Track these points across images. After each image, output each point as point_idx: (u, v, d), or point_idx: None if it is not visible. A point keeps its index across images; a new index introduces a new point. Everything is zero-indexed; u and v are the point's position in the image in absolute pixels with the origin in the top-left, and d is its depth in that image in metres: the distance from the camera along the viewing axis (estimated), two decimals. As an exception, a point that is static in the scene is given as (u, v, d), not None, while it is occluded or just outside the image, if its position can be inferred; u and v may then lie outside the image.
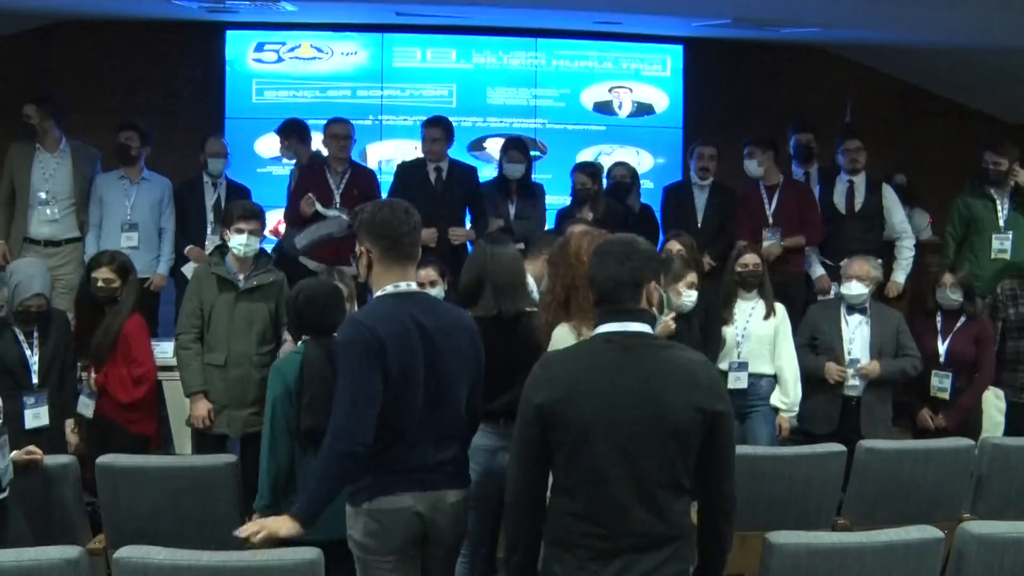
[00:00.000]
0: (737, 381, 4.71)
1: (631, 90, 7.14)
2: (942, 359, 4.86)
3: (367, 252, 2.83)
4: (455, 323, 2.90)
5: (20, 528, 3.14)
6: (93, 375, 4.34)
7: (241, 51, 6.84)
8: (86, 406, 4.33)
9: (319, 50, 6.89)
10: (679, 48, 7.11)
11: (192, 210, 5.60)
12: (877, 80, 7.37)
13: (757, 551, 2.87)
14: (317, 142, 5.90)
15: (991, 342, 4.88)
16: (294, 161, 5.88)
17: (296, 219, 5.53)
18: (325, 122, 5.74)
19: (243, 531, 2.72)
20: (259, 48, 6.86)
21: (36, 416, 4.10)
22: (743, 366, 4.71)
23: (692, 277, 4.40)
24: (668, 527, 2.38)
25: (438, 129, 5.65)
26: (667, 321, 4.05)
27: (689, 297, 4.35)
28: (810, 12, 5.67)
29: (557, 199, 5.96)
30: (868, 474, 3.85)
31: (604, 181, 5.95)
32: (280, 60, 6.87)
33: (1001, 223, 5.56)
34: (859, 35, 6.48)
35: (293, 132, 5.89)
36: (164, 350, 4.91)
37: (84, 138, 5.78)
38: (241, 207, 4.51)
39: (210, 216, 5.56)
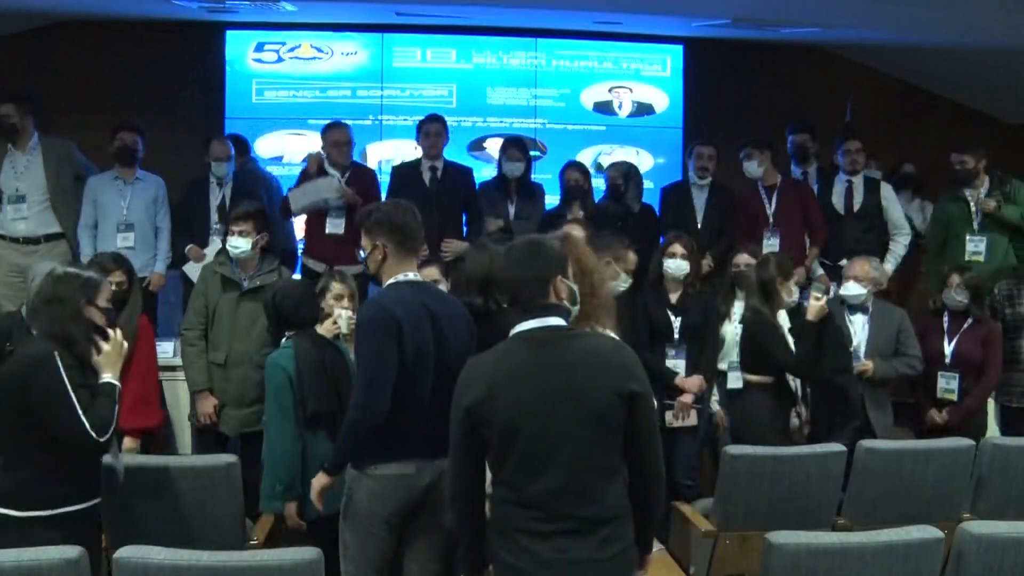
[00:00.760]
0: (736, 381, 4.72)
1: (631, 90, 7.14)
2: (948, 360, 4.86)
3: (383, 246, 3.11)
4: (456, 312, 3.19)
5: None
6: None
7: (241, 51, 6.83)
8: None
9: (319, 50, 6.89)
10: (679, 48, 7.10)
11: (197, 210, 5.60)
12: (877, 80, 7.37)
13: (757, 551, 2.87)
14: (317, 142, 5.90)
15: (998, 344, 4.87)
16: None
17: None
18: (324, 125, 5.75)
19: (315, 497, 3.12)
20: (259, 48, 6.86)
21: None
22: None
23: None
24: (601, 509, 2.51)
25: (439, 124, 5.67)
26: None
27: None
28: (810, 12, 5.67)
29: (557, 199, 5.96)
30: (868, 474, 3.85)
31: (602, 180, 5.97)
32: (280, 60, 6.87)
33: (975, 225, 5.62)
34: (859, 35, 6.48)
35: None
36: (164, 350, 4.92)
37: (84, 138, 5.78)
38: (235, 209, 4.52)
39: (214, 216, 5.56)
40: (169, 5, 5.86)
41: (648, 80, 7.15)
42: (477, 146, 6.92)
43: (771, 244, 5.60)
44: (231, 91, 6.82)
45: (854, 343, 4.74)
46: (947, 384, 4.82)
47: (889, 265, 5.72)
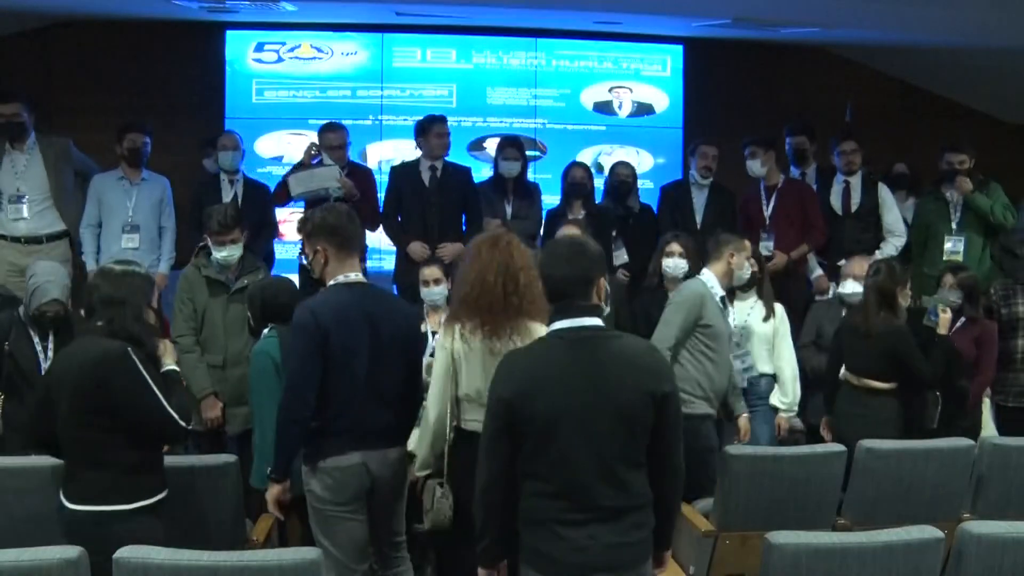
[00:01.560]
0: (739, 382, 4.72)
1: (631, 90, 7.14)
2: None
3: (323, 251, 3.29)
4: (395, 309, 3.43)
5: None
6: None
7: (241, 51, 6.83)
8: None
9: (319, 50, 6.89)
10: (679, 48, 7.11)
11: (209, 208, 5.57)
12: (877, 80, 7.37)
13: (757, 551, 2.87)
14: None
15: (992, 343, 4.87)
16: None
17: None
18: (321, 126, 5.75)
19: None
20: (259, 48, 6.86)
21: None
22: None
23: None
24: (628, 498, 2.64)
25: (444, 125, 5.68)
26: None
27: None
28: (810, 12, 5.67)
29: (556, 199, 5.96)
30: (868, 474, 3.84)
31: (606, 179, 5.97)
32: (280, 60, 6.87)
33: (953, 225, 5.67)
34: (859, 35, 6.48)
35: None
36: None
37: (84, 138, 5.78)
38: (217, 220, 4.45)
39: None
40: (169, 5, 5.86)
41: (648, 80, 7.15)
42: (477, 146, 6.92)
43: (766, 245, 5.60)
44: (231, 91, 6.82)
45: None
46: None
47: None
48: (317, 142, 5.67)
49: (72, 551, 2.65)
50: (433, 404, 3.31)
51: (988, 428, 4.85)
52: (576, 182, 5.70)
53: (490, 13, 6.40)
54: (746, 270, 4.47)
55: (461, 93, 6.97)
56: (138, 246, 5.40)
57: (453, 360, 3.25)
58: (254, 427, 3.86)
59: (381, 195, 5.87)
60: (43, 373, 4.01)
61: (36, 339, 4.07)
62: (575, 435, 2.59)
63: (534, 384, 2.61)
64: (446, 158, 5.76)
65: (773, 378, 4.76)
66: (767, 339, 4.74)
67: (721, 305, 4.28)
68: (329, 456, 3.24)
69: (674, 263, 4.68)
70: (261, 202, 5.63)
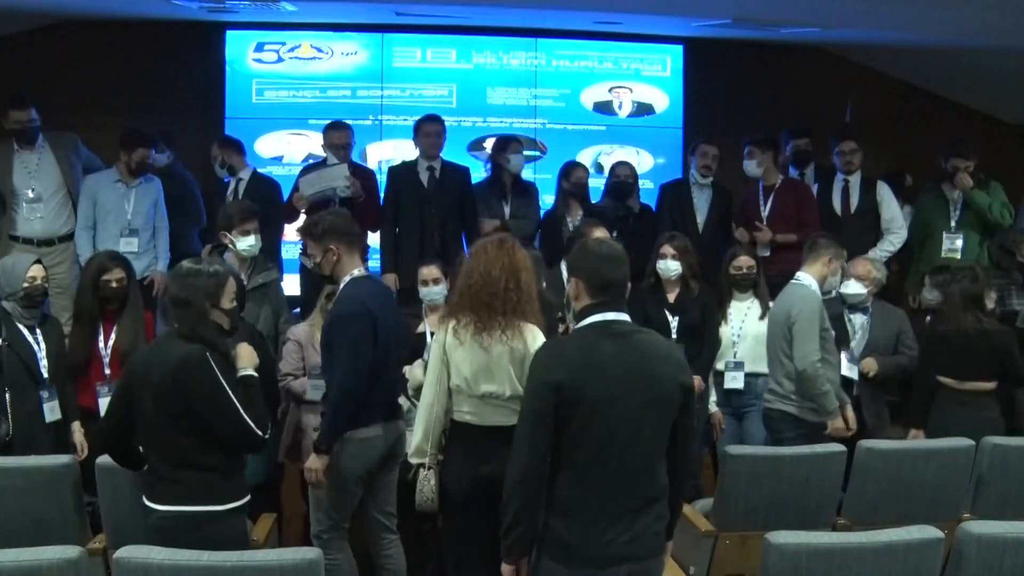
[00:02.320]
0: (734, 381, 4.74)
1: (631, 90, 7.13)
2: None
3: (336, 250, 3.62)
4: (393, 297, 3.99)
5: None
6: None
7: (241, 51, 6.83)
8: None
9: (319, 50, 6.89)
10: (679, 48, 7.10)
11: (216, 209, 5.57)
12: (877, 80, 7.37)
13: (757, 551, 2.87)
14: (317, 142, 5.90)
15: None
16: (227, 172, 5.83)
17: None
18: (325, 125, 5.75)
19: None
20: (259, 48, 6.85)
21: (51, 411, 4.14)
22: (739, 366, 4.74)
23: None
24: (656, 489, 2.75)
25: (439, 124, 5.68)
26: None
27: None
28: (810, 12, 5.66)
29: (554, 199, 5.95)
30: (868, 474, 3.85)
31: (606, 180, 5.96)
32: (280, 60, 6.87)
33: (952, 224, 5.69)
34: (859, 35, 6.48)
35: (229, 144, 5.88)
36: None
37: (84, 138, 5.77)
38: (239, 209, 4.52)
39: None
40: (169, 5, 5.86)
41: (648, 80, 7.14)
42: (477, 146, 6.91)
43: (763, 246, 5.59)
44: (231, 91, 6.81)
45: (853, 343, 4.74)
46: None
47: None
48: (320, 144, 5.67)
49: (72, 551, 2.65)
50: (426, 395, 3.36)
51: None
52: (581, 183, 5.70)
53: (490, 13, 6.39)
54: (838, 278, 4.48)
55: (461, 93, 6.97)
56: (137, 250, 5.38)
57: (444, 352, 3.31)
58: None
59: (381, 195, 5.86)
60: (41, 364, 4.10)
61: (25, 331, 4.11)
62: (620, 423, 2.65)
63: (583, 370, 2.66)
64: (444, 158, 5.76)
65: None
66: (764, 339, 4.73)
67: None
68: (359, 427, 3.58)
69: (666, 265, 4.69)
70: (266, 197, 5.62)
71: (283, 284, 5.10)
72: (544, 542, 2.71)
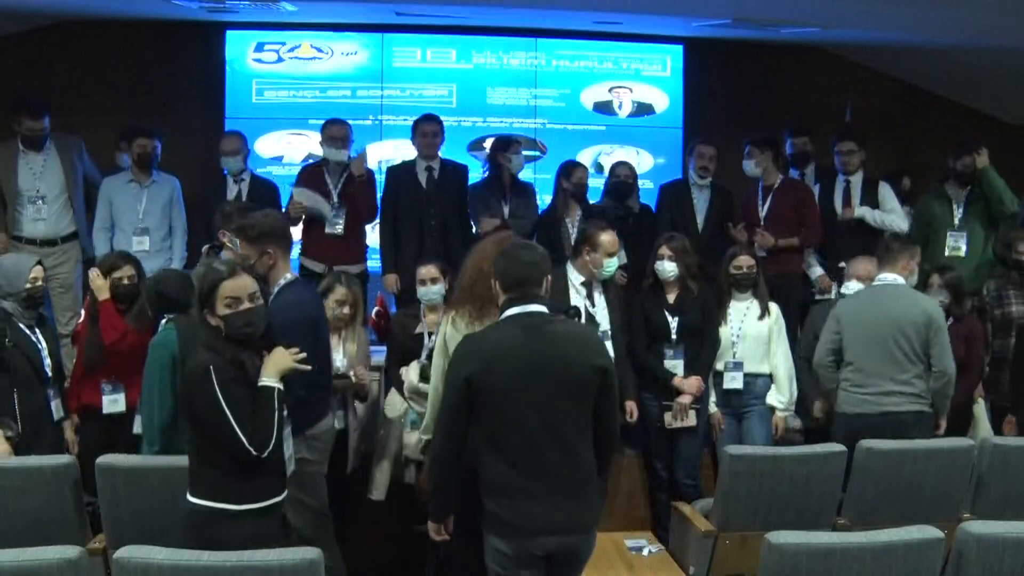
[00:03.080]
0: (733, 381, 4.73)
1: (631, 90, 7.13)
2: None
3: (272, 254, 3.64)
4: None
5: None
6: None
7: (241, 51, 6.83)
8: (115, 402, 4.33)
9: (319, 50, 6.89)
10: (679, 48, 7.10)
11: (214, 209, 5.57)
12: (877, 80, 7.37)
13: (757, 551, 2.87)
14: (317, 142, 5.90)
15: (980, 341, 4.90)
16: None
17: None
18: (324, 122, 5.75)
19: None
20: (259, 48, 6.85)
21: (57, 409, 4.18)
22: (739, 366, 4.73)
23: None
24: (579, 468, 2.96)
25: (435, 125, 5.67)
26: None
27: None
28: (810, 12, 5.67)
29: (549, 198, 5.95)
30: (868, 474, 3.85)
31: (606, 180, 5.96)
32: (280, 60, 6.87)
33: (956, 222, 5.69)
34: (859, 35, 6.48)
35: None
36: None
37: (84, 138, 5.77)
38: (238, 208, 4.51)
39: None
40: (169, 5, 5.86)
41: (648, 80, 7.14)
42: (477, 146, 6.91)
43: (758, 246, 5.59)
44: (231, 91, 6.81)
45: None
46: None
47: (865, 212, 5.73)
48: (321, 136, 5.67)
49: (72, 551, 2.65)
50: (434, 379, 3.48)
51: (983, 428, 4.86)
52: (581, 183, 5.69)
53: (490, 13, 6.39)
54: (914, 277, 4.56)
55: (461, 93, 6.97)
56: (148, 248, 5.41)
57: (445, 342, 3.39)
58: (142, 415, 3.87)
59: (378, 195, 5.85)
60: (45, 362, 4.14)
61: (27, 330, 4.13)
62: (529, 405, 2.90)
63: (492, 360, 2.91)
64: (444, 157, 5.75)
65: (769, 378, 4.76)
66: (763, 339, 4.74)
67: None
68: (316, 422, 3.75)
69: (663, 266, 4.69)
70: (268, 200, 5.62)
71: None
72: (485, 521, 2.99)
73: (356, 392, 4.42)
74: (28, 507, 3.41)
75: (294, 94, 6.86)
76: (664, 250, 4.71)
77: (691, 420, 4.65)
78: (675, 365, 4.68)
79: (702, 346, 4.70)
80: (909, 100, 7.39)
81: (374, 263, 5.86)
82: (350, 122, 5.79)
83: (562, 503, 2.93)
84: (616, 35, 6.98)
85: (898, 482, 3.83)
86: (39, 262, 4.24)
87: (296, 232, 5.73)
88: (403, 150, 6.61)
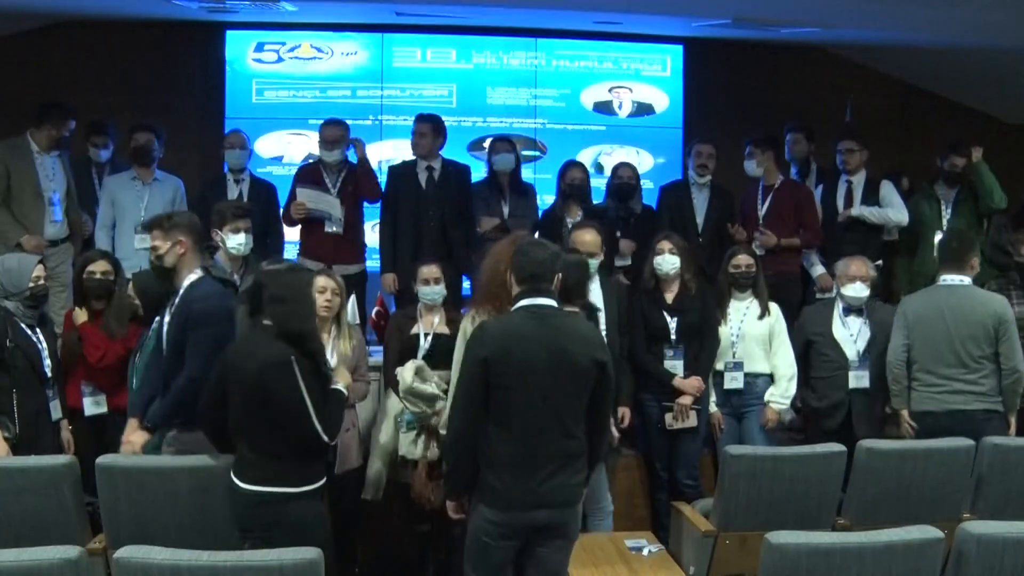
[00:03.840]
0: (733, 381, 4.73)
1: (631, 90, 7.14)
2: None
3: (184, 243, 3.67)
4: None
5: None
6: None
7: (241, 51, 6.83)
8: (97, 404, 4.36)
9: (319, 50, 6.89)
10: (679, 48, 7.10)
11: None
12: (877, 80, 7.37)
13: (757, 551, 2.87)
14: (316, 142, 5.89)
15: None
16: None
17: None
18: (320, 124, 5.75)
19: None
20: (259, 48, 6.86)
21: (55, 409, 4.21)
22: (739, 366, 4.73)
23: None
24: (573, 448, 3.19)
25: (426, 125, 5.63)
26: None
27: None
28: (810, 12, 5.67)
29: (552, 199, 5.95)
30: (868, 474, 3.85)
31: (608, 180, 5.95)
32: (280, 60, 6.87)
33: (944, 223, 5.71)
34: (859, 35, 6.48)
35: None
36: None
37: (83, 138, 5.77)
38: (234, 207, 4.53)
39: None
40: (169, 5, 5.87)
41: (648, 80, 7.15)
42: (477, 146, 6.91)
43: (767, 236, 5.59)
44: (231, 91, 6.82)
45: (857, 345, 4.72)
46: None
47: (863, 211, 5.71)
48: (318, 138, 5.68)
49: (72, 551, 2.64)
50: (454, 374, 3.61)
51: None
52: (575, 183, 5.68)
53: (490, 13, 6.40)
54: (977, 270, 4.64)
55: (461, 93, 6.97)
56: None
57: (466, 339, 3.48)
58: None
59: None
60: (45, 362, 4.14)
61: (28, 330, 4.14)
62: (537, 388, 3.12)
63: (507, 344, 3.13)
64: (446, 157, 5.74)
65: (770, 377, 4.75)
66: (763, 339, 4.74)
67: None
68: (183, 432, 3.67)
69: (665, 259, 4.67)
70: (266, 201, 5.63)
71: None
72: (479, 490, 3.19)
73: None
74: (28, 507, 3.41)
75: (294, 94, 6.86)
76: (664, 244, 4.69)
77: (692, 421, 4.65)
78: (675, 365, 4.67)
79: (702, 346, 4.70)
80: (909, 100, 7.39)
81: (373, 263, 5.86)
82: (350, 122, 5.79)
83: (556, 479, 3.15)
84: (616, 35, 6.99)
85: (898, 482, 3.83)
86: (41, 261, 4.26)
87: (296, 232, 5.77)
88: (403, 150, 6.61)
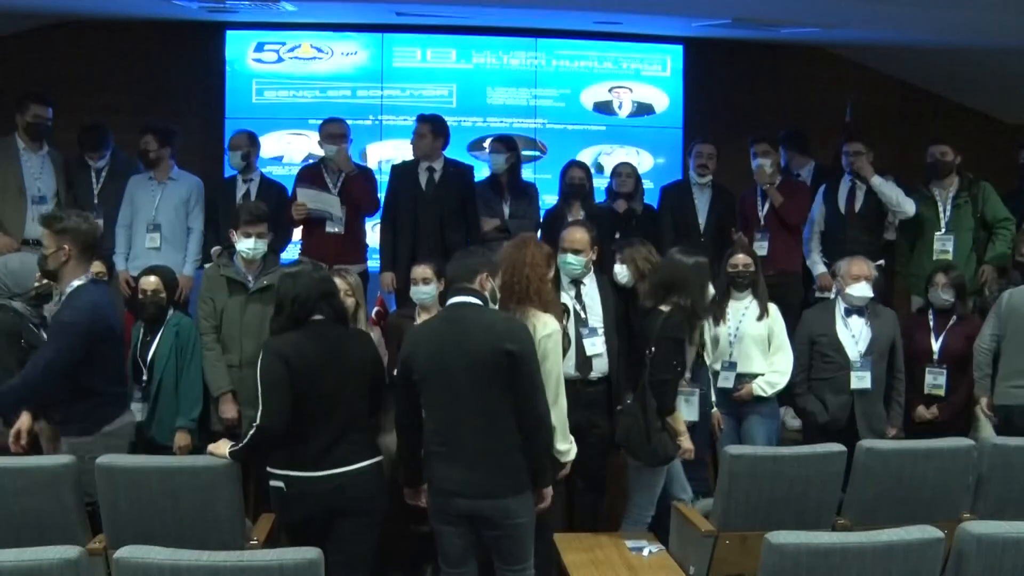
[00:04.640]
0: (725, 381, 4.71)
1: (631, 90, 7.14)
2: (936, 356, 4.91)
3: (68, 251, 3.71)
4: (123, 308, 4.42)
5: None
6: None
7: (241, 51, 6.84)
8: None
9: (319, 50, 6.89)
10: (679, 48, 7.11)
11: (222, 209, 5.54)
12: (877, 80, 7.38)
13: (757, 551, 2.87)
14: (316, 142, 5.90)
15: None
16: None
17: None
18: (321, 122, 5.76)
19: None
20: (259, 48, 6.86)
21: None
22: (732, 366, 4.70)
23: None
24: (492, 439, 3.30)
25: (425, 126, 5.61)
26: None
27: None
28: (810, 12, 5.67)
29: (555, 199, 5.95)
30: (868, 474, 3.84)
31: (609, 181, 5.95)
32: (280, 60, 6.88)
33: (942, 224, 5.64)
34: (859, 35, 6.48)
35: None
36: None
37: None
38: (248, 211, 4.53)
39: None
40: (169, 5, 5.87)
41: (648, 80, 7.15)
42: (477, 146, 6.92)
43: (761, 245, 5.58)
44: (231, 91, 6.82)
45: (858, 347, 4.72)
46: (934, 380, 4.89)
47: (878, 180, 5.66)
48: (319, 135, 5.67)
49: (72, 551, 2.64)
50: None
51: (985, 428, 4.86)
52: (575, 183, 5.68)
53: (490, 13, 6.40)
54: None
55: (461, 93, 6.97)
56: (158, 246, 5.41)
57: None
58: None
59: (381, 195, 5.84)
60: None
61: (36, 329, 4.14)
62: (443, 384, 3.31)
63: (416, 345, 3.41)
64: (448, 157, 5.74)
65: (768, 378, 4.75)
66: (761, 339, 4.72)
67: None
68: (113, 419, 3.83)
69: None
70: (276, 202, 5.62)
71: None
72: (426, 477, 3.45)
73: None
74: (28, 507, 3.41)
75: (294, 94, 6.87)
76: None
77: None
78: None
79: None
80: (909, 100, 7.40)
81: (375, 263, 5.86)
82: (350, 122, 5.79)
83: (475, 470, 3.29)
84: (616, 35, 6.99)
85: (898, 482, 3.83)
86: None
87: (296, 232, 5.77)
88: (403, 150, 6.61)
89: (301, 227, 5.65)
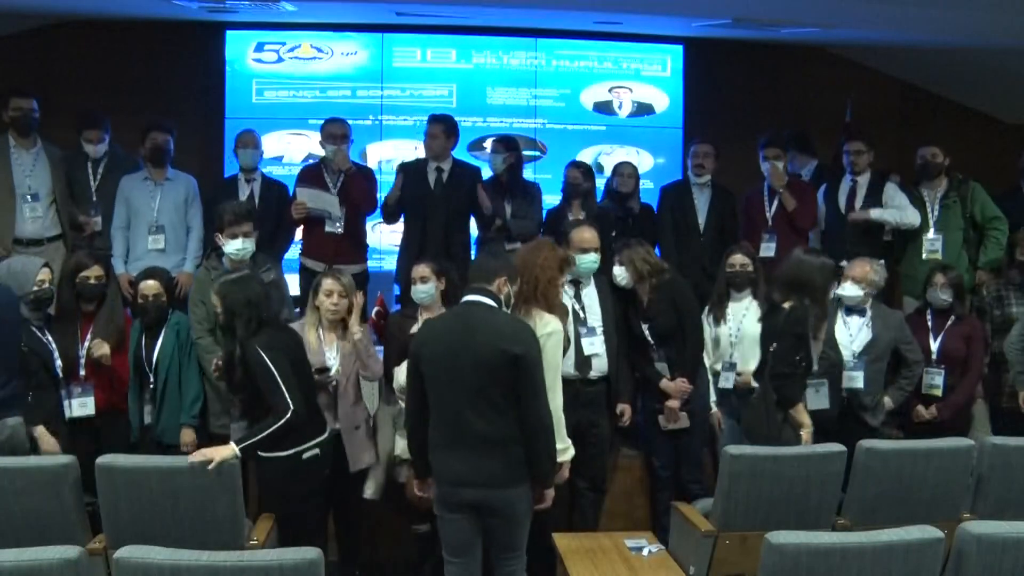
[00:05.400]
0: (725, 381, 4.72)
1: (631, 90, 7.14)
2: (934, 356, 4.91)
3: None
4: (15, 302, 4.07)
5: None
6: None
7: (241, 51, 6.84)
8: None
9: (319, 50, 6.89)
10: (679, 48, 7.10)
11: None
12: (877, 80, 7.37)
13: (757, 551, 2.87)
14: (317, 142, 5.90)
15: (980, 341, 4.94)
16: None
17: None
18: (323, 122, 5.75)
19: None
20: (259, 48, 6.86)
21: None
22: (732, 366, 4.71)
23: None
24: (491, 432, 3.38)
25: (438, 126, 5.61)
26: None
27: None
28: (810, 12, 5.67)
29: (556, 199, 5.95)
30: (868, 474, 3.85)
31: (611, 181, 5.95)
32: (280, 60, 6.87)
33: (931, 224, 5.66)
34: (859, 35, 6.48)
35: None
36: None
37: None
38: (231, 212, 4.51)
39: None
40: (169, 5, 5.86)
41: (648, 80, 7.15)
42: (477, 146, 6.91)
43: (768, 247, 5.58)
44: (231, 91, 6.82)
45: (852, 346, 4.72)
46: (932, 380, 4.89)
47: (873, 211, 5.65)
48: (320, 135, 5.67)
49: (72, 551, 2.64)
50: None
51: (983, 428, 4.87)
52: (573, 183, 5.68)
53: (490, 13, 6.39)
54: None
55: (461, 93, 6.97)
56: (163, 247, 5.38)
57: None
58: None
59: (381, 195, 5.84)
60: (56, 362, 4.24)
61: (38, 332, 4.18)
62: (449, 380, 3.41)
63: (426, 340, 3.53)
64: (456, 157, 5.73)
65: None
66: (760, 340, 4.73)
67: None
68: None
69: (615, 271, 4.66)
70: (278, 201, 5.62)
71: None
72: (431, 467, 3.56)
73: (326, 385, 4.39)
74: (28, 507, 3.42)
75: (294, 94, 6.87)
76: (616, 256, 4.66)
77: (684, 422, 4.65)
78: (663, 368, 4.68)
79: (684, 345, 4.67)
80: (909, 100, 7.40)
81: (374, 263, 5.86)
82: (350, 122, 5.79)
83: (477, 462, 3.39)
84: (616, 35, 6.99)
85: (898, 482, 3.83)
86: (46, 264, 4.25)
87: (296, 232, 5.77)
88: (403, 150, 6.62)
89: (301, 227, 5.65)
